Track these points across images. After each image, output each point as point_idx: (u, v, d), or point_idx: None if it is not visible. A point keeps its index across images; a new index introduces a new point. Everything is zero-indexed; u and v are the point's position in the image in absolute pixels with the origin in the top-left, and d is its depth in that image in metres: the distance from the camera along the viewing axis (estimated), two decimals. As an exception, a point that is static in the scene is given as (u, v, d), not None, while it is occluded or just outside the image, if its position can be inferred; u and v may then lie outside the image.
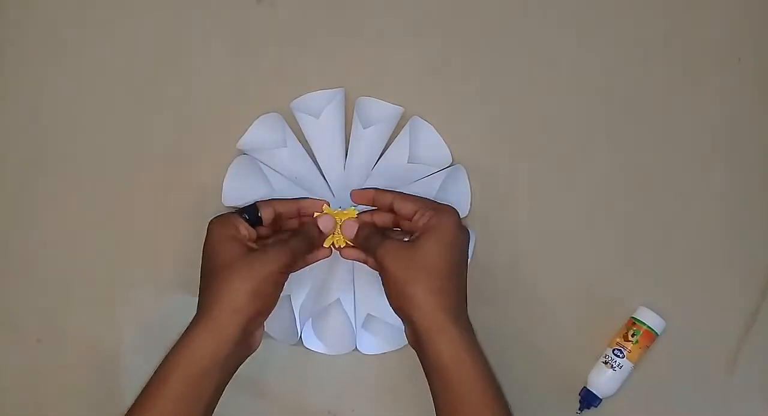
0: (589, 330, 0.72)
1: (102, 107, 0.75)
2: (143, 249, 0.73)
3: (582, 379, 0.71)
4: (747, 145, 0.75)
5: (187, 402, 0.58)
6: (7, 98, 0.75)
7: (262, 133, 0.73)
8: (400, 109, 0.73)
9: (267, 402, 0.72)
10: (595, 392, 0.70)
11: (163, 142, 0.74)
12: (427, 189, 0.69)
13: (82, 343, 0.72)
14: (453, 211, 0.64)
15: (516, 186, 0.74)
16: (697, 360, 0.73)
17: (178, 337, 0.60)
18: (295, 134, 0.72)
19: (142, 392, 0.59)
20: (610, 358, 0.70)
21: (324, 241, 0.69)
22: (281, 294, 0.68)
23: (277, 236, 0.69)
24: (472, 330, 0.62)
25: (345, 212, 0.69)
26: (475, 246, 0.72)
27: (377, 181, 0.71)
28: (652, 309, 0.71)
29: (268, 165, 0.71)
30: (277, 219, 0.67)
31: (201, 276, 0.63)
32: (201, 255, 0.64)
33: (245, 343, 0.61)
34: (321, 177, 0.72)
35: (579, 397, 0.71)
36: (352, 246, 0.69)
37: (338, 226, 0.69)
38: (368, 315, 0.70)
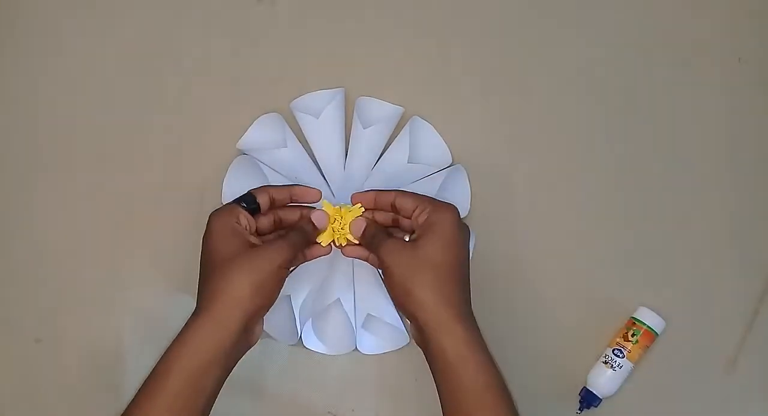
0: (589, 330, 0.72)
1: (102, 107, 0.75)
2: (143, 249, 0.73)
3: (582, 379, 0.71)
4: (747, 145, 0.75)
5: (187, 396, 0.58)
6: (6, 97, 0.75)
7: (262, 133, 0.73)
8: (400, 109, 0.73)
9: (267, 402, 0.72)
10: (595, 392, 0.70)
11: (163, 142, 0.74)
12: (427, 189, 0.69)
13: (81, 343, 0.72)
14: (452, 208, 0.64)
15: (516, 186, 0.74)
16: (697, 360, 0.73)
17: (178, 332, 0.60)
18: (295, 134, 0.72)
19: (143, 386, 0.59)
20: (610, 358, 0.70)
21: (317, 236, 0.69)
22: (281, 294, 0.69)
23: (277, 232, 0.69)
24: (476, 326, 0.62)
25: (351, 210, 0.69)
26: (475, 246, 0.72)
27: (377, 181, 0.71)
28: (652, 309, 0.71)
29: (268, 165, 0.71)
30: (273, 206, 0.67)
31: (201, 269, 0.63)
32: (200, 254, 0.64)
33: (245, 338, 0.61)
34: (321, 177, 0.72)
35: (579, 397, 0.71)
36: (353, 244, 0.69)
37: (340, 224, 0.69)
38: (368, 315, 0.70)
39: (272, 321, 0.70)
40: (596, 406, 0.70)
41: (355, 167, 0.71)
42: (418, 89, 0.75)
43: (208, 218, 0.64)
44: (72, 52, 0.76)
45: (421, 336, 0.61)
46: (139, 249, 0.73)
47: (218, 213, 0.64)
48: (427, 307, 0.60)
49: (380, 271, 0.68)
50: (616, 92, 0.75)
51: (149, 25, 0.76)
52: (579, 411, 0.71)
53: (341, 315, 0.71)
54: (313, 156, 0.72)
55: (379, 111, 0.73)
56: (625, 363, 0.70)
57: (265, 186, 0.68)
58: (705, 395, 0.73)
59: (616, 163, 0.75)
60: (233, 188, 0.71)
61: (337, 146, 0.72)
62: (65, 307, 0.73)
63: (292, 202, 0.69)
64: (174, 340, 0.59)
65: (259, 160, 0.71)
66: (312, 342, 0.71)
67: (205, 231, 0.63)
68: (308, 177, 0.71)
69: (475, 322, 0.62)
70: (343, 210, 0.69)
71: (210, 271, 0.61)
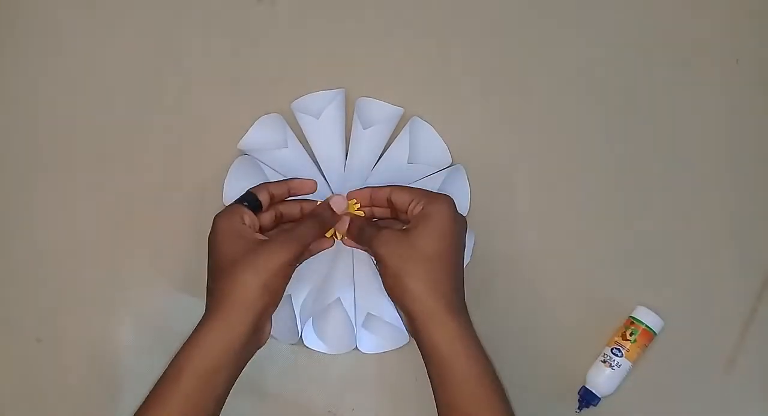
0: (589, 330, 0.73)
1: (102, 107, 0.75)
2: (143, 249, 0.73)
3: (581, 378, 0.71)
4: (747, 146, 0.75)
5: (199, 398, 0.58)
6: (6, 97, 0.75)
7: (263, 133, 0.73)
8: (400, 110, 0.73)
9: (267, 402, 0.72)
10: (593, 391, 0.70)
11: (163, 142, 0.74)
12: (427, 189, 0.69)
13: (81, 343, 0.73)
14: (448, 199, 0.64)
15: (516, 186, 0.74)
16: (696, 360, 0.73)
17: (184, 336, 0.60)
18: (295, 134, 0.72)
19: (154, 388, 0.59)
20: (608, 357, 0.70)
21: (338, 222, 0.69)
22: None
23: (280, 226, 0.69)
24: (468, 317, 0.62)
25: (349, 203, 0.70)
26: (474, 246, 0.72)
27: (377, 181, 0.71)
28: (651, 309, 0.71)
29: (268, 165, 0.71)
30: (272, 201, 0.67)
31: (209, 272, 0.63)
32: (201, 255, 0.64)
33: (255, 338, 0.61)
34: (321, 177, 0.72)
35: (578, 396, 0.71)
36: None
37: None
38: (368, 314, 0.70)
39: (272, 320, 0.70)
40: (595, 405, 0.71)
41: (355, 167, 0.72)
42: (418, 89, 0.75)
43: (213, 220, 0.63)
44: (72, 52, 0.75)
45: (413, 327, 0.61)
46: (139, 249, 0.73)
47: (223, 215, 0.64)
48: (418, 298, 0.60)
49: (375, 261, 0.68)
50: (616, 92, 0.76)
51: (149, 25, 0.75)
52: (578, 410, 0.71)
53: (341, 314, 0.71)
54: (314, 156, 0.72)
55: (379, 111, 0.73)
56: (624, 363, 0.70)
57: (263, 183, 0.68)
58: (704, 395, 0.73)
59: (616, 163, 0.75)
60: (234, 188, 0.71)
61: (337, 147, 0.72)
62: (65, 307, 0.73)
63: (290, 196, 0.70)
64: (185, 343, 0.59)
65: (259, 161, 0.71)
66: (312, 342, 0.71)
67: (211, 232, 0.63)
68: (308, 177, 0.71)
69: (467, 314, 0.62)
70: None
71: (218, 273, 0.61)
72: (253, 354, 0.63)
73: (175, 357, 0.59)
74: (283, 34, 0.75)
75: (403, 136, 0.71)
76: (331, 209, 0.68)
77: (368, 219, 0.70)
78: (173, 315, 0.72)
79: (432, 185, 0.70)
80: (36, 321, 0.73)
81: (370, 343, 0.72)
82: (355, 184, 0.71)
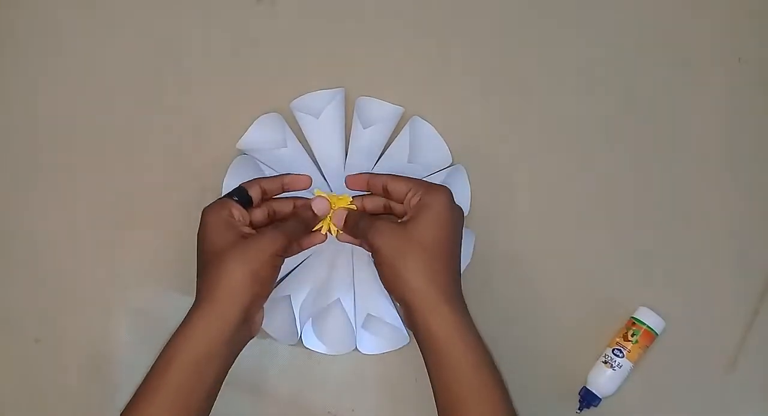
0: (589, 330, 0.73)
1: (101, 107, 0.75)
2: (143, 249, 0.73)
3: (582, 379, 0.71)
4: (747, 145, 0.75)
5: (189, 388, 0.58)
6: (6, 97, 0.75)
7: (262, 133, 0.73)
8: (400, 109, 0.73)
9: (267, 402, 0.72)
10: (594, 391, 0.70)
11: (163, 142, 0.74)
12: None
13: (81, 343, 0.73)
14: (445, 190, 0.64)
15: (516, 186, 0.74)
16: (697, 360, 0.73)
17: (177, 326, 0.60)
18: (295, 134, 0.72)
19: (145, 379, 0.59)
20: (609, 358, 0.70)
21: (318, 223, 0.69)
22: (281, 294, 0.69)
23: (273, 224, 0.69)
24: (465, 307, 0.62)
25: (339, 197, 0.70)
26: (475, 246, 0.72)
27: (377, 180, 0.71)
28: (652, 309, 0.71)
29: (268, 165, 0.71)
30: (264, 197, 0.68)
31: (198, 264, 0.63)
32: (196, 248, 0.64)
33: (246, 327, 0.61)
34: (321, 177, 0.72)
35: (579, 397, 0.71)
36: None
37: (332, 212, 0.69)
38: (368, 315, 0.70)
39: (272, 321, 0.70)
40: (596, 406, 0.70)
41: (355, 167, 0.71)
42: (418, 89, 0.75)
43: (201, 213, 0.64)
44: (72, 52, 0.76)
45: (409, 317, 0.61)
46: (139, 249, 0.73)
47: (211, 208, 0.64)
48: (415, 288, 0.60)
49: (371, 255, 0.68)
50: (616, 92, 0.75)
51: (149, 25, 0.76)
52: (579, 411, 0.71)
53: (341, 315, 0.71)
54: (313, 156, 0.72)
55: (379, 111, 0.73)
56: (625, 363, 0.70)
57: (255, 179, 0.68)
58: (705, 395, 0.73)
59: (616, 163, 0.75)
60: (233, 188, 0.71)
61: (337, 146, 0.72)
62: (65, 307, 0.73)
63: (284, 191, 0.69)
64: (174, 333, 0.59)
65: (259, 160, 0.71)
66: (312, 342, 0.71)
67: (200, 225, 0.63)
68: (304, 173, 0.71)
69: (464, 303, 0.62)
70: (333, 198, 0.69)
71: (206, 264, 0.61)
72: (244, 345, 0.63)
73: (164, 347, 0.59)
74: (283, 34, 0.75)
75: (403, 136, 0.71)
76: (312, 210, 0.68)
77: (363, 212, 0.70)
78: (172, 315, 0.71)
79: (432, 185, 0.70)
80: (36, 321, 0.73)
81: (369, 344, 0.72)
82: (355, 184, 0.71)
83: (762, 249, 0.74)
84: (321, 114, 0.70)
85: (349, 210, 0.69)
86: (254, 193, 0.66)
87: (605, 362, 0.70)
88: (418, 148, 0.72)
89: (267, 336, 0.71)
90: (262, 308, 0.64)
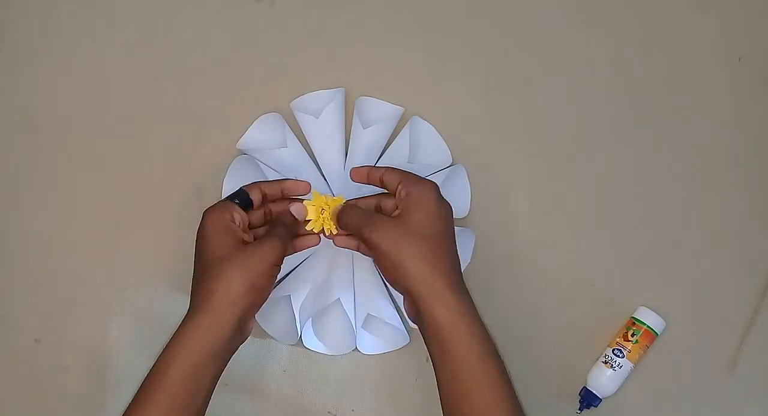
0: (589, 330, 0.73)
1: (101, 107, 0.75)
2: (142, 249, 0.73)
3: (582, 379, 0.71)
4: (747, 145, 0.75)
5: (186, 393, 0.58)
6: (6, 97, 0.75)
7: (262, 132, 0.73)
8: (400, 109, 0.73)
9: (267, 403, 0.72)
10: (594, 392, 0.70)
11: (163, 142, 0.74)
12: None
13: (80, 343, 0.72)
14: (432, 184, 0.64)
15: (516, 186, 0.74)
16: (697, 360, 0.73)
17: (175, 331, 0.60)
18: (295, 134, 0.72)
19: (142, 385, 0.59)
20: (610, 358, 0.70)
21: (304, 226, 0.69)
22: (281, 295, 0.69)
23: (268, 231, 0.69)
24: (469, 295, 0.62)
25: (333, 199, 0.70)
26: (474, 246, 0.72)
27: (377, 180, 0.71)
28: (652, 309, 0.71)
29: (268, 165, 0.71)
30: (264, 200, 0.68)
31: (195, 267, 0.63)
32: (194, 251, 0.64)
33: (239, 333, 0.62)
34: (321, 177, 0.72)
35: (579, 397, 0.71)
36: (343, 234, 0.69)
37: (328, 213, 0.69)
38: (368, 315, 0.70)
39: (272, 321, 0.70)
40: (596, 406, 0.70)
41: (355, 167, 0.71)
42: (418, 89, 0.75)
43: (202, 215, 0.64)
44: (72, 52, 0.76)
45: (414, 309, 0.61)
46: (139, 249, 0.73)
47: (212, 211, 0.64)
48: (419, 278, 0.60)
49: (370, 256, 0.68)
50: (616, 92, 0.75)
51: (149, 25, 0.76)
52: (579, 411, 0.71)
53: (341, 315, 0.71)
54: (313, 156, 0.72)
55: (379, 111, 0.73)
56: (625, 363, 0.70)
57: (256, 182, 0.68)
58: (705, 395, 0.73)
59: (616, 163, 0.75)
60: (233, 188, 0.70)
61: (337, 146, 0.72)
62: (65, 307, 0.73)
63: (283, 196, 0.70)
64: (171, 339, 0.60)
65: (259, 160, 0.71)
66: (312, 342, 0.71)
67: (199, 227, 0.63)
68: (308, 177, 0.71)
69: (467, 292, 0.62)
70: (328, 200, 0.69)
71: (204, 270, 0.61)
72: (237, 349, 0.63)
73: (161, 353, 0.59)
74: (283, 34, 0.75)
75: (403, 136, 0.71)
76: (292, 215, 0.68)
77: (355, 208, 0.69)
78: (172, 315, 0.71)
79: (432, 185, 0.69)
80: (35, 321, 0.73)
81: (369, 344, 0.72)
82: (355, 184, 0.71)
83: (762, 250, 0.74)
84: (321, 114, 0.70)
85: (342, 205, 0.68)
86: (255, 197, 0.66)
87: (605, 362, 0.70)
88: (418, 148, 0.72)
89: (267, 336, 0.71)
90: (255, 315, 0.64)
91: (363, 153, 0.71)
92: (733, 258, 0.74)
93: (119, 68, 0.75)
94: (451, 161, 0.73)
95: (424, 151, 0.73)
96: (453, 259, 0.63)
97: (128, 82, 0.75)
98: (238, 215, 0.64)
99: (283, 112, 0.73)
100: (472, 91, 0.75)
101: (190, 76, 0.75)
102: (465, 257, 0.72)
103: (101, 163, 0.74)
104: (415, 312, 0.61)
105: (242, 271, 0.60)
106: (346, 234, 0.69)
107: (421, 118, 0.74)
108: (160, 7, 0.76)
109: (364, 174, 0.68)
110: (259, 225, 0.68)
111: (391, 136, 0.73)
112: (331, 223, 0.69)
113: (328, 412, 0.72)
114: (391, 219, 0.63)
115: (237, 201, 0.65)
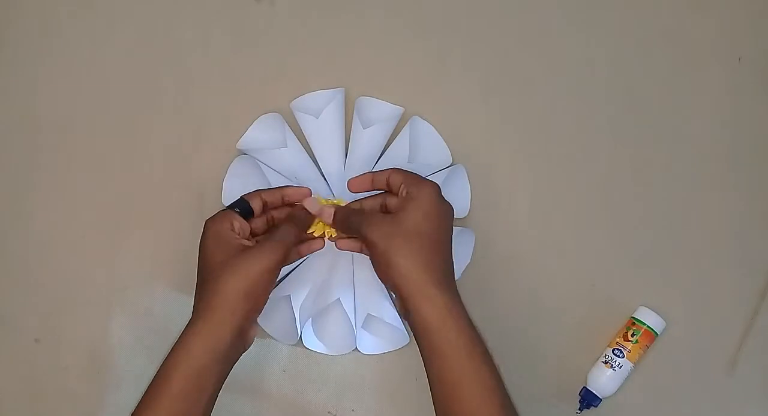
0: (589, 330, 0.73)
1: (101, 107, 0.75)
2: (142, 249, 0.73)
3: (582, 379, 0.71)
4: (747, 145, 0.75)
5: (189, 399, 0.59)
6: (6, 97, 0.75)
7: (262, 132, 0.73)
8: (400, 109, 0.73)
9: (267, 403, 0.72)
10: (594, 392, 0.70)
11: (163, 142, 0.74)
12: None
13: (80, 343, 0.73)
14: (432, 184, 0.65)
15: (516, 186, 0.74)
16: (697, 360, 0.73)
17: (177, 337, 0.60)
18: (295, 134, 0.72)
19: (146, 392, 0.59)
20: (610, 358, 0.70)
21: (313, 223, 0.69)
22: (281, 295, 0.69)
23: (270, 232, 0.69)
24: (458, 294, 0.62)
25: (334, 202, 0.69)
26: (474, 246, 0.72)
27: (377, 180, 0.71)
28: (652, 309, 0.71)
29: (268, 165, 0.71)
30: (265, 208, 0.68)
31: (198, 275, 0.63)
32: (197, 259, 0.64)
33: (240, 341, 0.62)
34: (321, 177, 0.72)
35: (579, 397, 0.71)
36: (345, 237, 0.69)
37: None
38: (368, 315, 0.70)
39: (272, 321, 0.70)
40: (596, 406, 0.70)
41: (355, 167, 0.71)
42: (418, 89, 0.75)
43: (204, 224, 0.64)
44: (72, 52, 0.76)
45: (403, 306, 0.62)
46: (139, 249, 0.73)
47: (213, 220, 0.64)
48: (407, 275, 0.60)
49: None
50: (616, 92, 0.75)
51: (149, 25, 0.76)
52: (579, 411, 0.71)
53: (341, 315, 0.70)
54: (313, 156, 0.72)
55: (379, 111, 0.73)
56: (625, 363, 0.70)
57: (257, 190, 0.68)
58: (705, 395, 0.73)
59: (616, 163, 0.75)
60: (233, 188, 0.71)
61: (337, 146, 0.72)
62: (65, 307, 0.73)
63: (284, 203, 0.70)
64: (174, 346, 0.60)
65: (259, 160, 0.71)
66: (312, 342, 0.71)
67: (202, 236, 0.64)
68: (308, 177, 0.71)
69: (456, 291, 0.62)
70: (325, 201, 0.69)
71: (205, 277, 0.62)
72: (239, 356, 0.63)
73: (164, 360, 0.60)
74: (283, 33, 0.75)
75: (403, 136, 0.71)
76: (306, 210, 0.68)
77: (352, 208, 0.70)
78: (172, 316, 0.72)
79: (432, 185, 0.69)
80: (35, 321, 0.73)
81: (369, 344, 0.72)
82: (355, 184, 0.71)
83: (762, 250, 0.74)
84: (321, 114, 0.70)
85: (337, 206, 0.69)
86: (255, 205, 0.67)
87: (605, 362, 0.70)
88: (418, 148, 0.72)
89: (267, 336, 0.71)
90: (256, 321, 0.65)
91: (363, 153, 0.71)
92: (733, 258, 0.74)
93: (119, 68, 0.75)
94: (451, 161, 0.73)
95: (424, 151, 0.73)
96: (445, 259, 0.63)
97: (128, 82, 0.75)
98: (238, 223, 0.65)
99: (283, 112, 0.73)
100: (472, 91, 0.75)
101: (190, 76, 0.75)
102: (465, 257, 0.72)
103: (101, 163, 0.74)
104: (404, 310, 0.62)
105: (237, 279, 0.60)
106: (348, 237, 0.69)
107: (421, 118, 0.74)
108: (160, 7, 0.76)
109: (368, 180, 0.69)
110: (263, 233, 0.68)
111: (391, 136, 0.73)
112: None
113: (328, 412, 0.72)
114: (387, 216, 0.64)
115: (237, 209, 0.65)
